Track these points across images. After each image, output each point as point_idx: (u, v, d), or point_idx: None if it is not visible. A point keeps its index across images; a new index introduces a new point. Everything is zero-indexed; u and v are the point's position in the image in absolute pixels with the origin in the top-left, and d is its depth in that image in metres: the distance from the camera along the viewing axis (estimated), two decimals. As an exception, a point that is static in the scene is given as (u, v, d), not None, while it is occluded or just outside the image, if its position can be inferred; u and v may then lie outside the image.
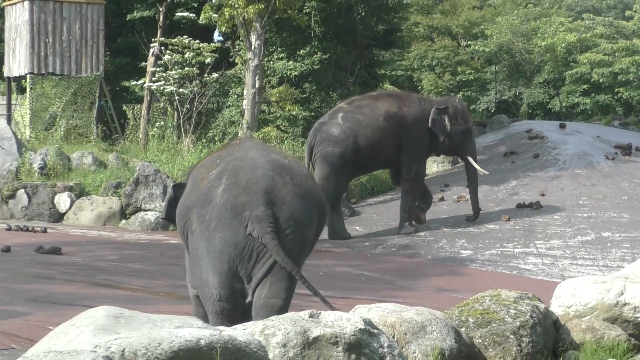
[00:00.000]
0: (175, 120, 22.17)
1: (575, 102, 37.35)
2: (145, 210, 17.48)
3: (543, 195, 18.10)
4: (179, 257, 13.86)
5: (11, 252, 13.42)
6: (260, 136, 18.73)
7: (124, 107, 24.09)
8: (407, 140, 16.14)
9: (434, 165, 22.96)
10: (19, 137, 21.68)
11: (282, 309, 6.28)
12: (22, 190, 18.07)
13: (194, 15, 21.75)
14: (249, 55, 19.15)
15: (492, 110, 39.87)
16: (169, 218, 7.37)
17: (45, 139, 21.73)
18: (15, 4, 23.57)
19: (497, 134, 25.99)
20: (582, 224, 15.86)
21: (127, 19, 25.11)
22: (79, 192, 18.21)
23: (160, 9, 23.47)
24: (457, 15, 43.91)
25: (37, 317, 9.00)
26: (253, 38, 19.23)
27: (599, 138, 24.06)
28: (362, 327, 5.01)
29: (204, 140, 20.40)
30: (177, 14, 22.96)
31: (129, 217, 17.59)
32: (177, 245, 15.09)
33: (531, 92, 38.92)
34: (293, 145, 20.54)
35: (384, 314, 5.45)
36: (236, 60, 20.54)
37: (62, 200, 18.05)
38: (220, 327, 4.90)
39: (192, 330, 4.41)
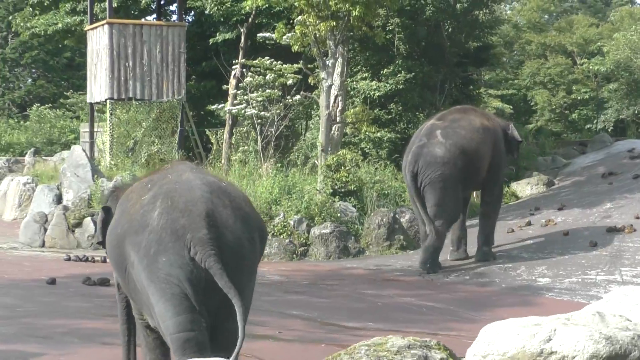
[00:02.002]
0: (258, 144, 21.47)
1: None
2: (210, 238, 16.75)
3: (638, 218, 16.79)
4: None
5: (57, 284, 12.93)
6: (335, 159, 17.82)
7: (207, 132, 23.52)
8: (495, 158, 15.09)
9: (528, 188, 21.76)
10: (101, 164, 21.35)
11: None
12: (89, 219, 17.57)
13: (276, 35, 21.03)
14: (323, 75, 18.34)
15: (609, 130, 38.34)
16: (104, 243, 6.74)
17: (125, 165, 21.31)
18: (96, 28, 23.28)
19: (598, 154, 24.65)
20: (677, 249, 14.57)
21: (210, 43, 24.60)
22: (148, 220, 17.62)
23: (242, 30, 22.92)
24: (572, 32, 42.44)
25: (45, 358, 8.43)
26: (330, 57, 18.46)
27: None
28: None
29: (279, 165, 19.60)
30: (258, 35, 22.33)
31: (197, 246, 16.88)
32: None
33: (650, 110, 37.23)
34: (376, 168, 19.61)
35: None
36: (309, 81, 19.74)
37: (129, 229, 17.49)
38: None
39: None
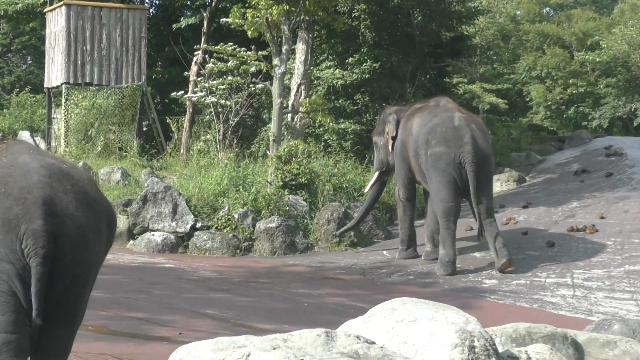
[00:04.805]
0: (220, 133, 20.57)
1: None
2: (152, 231, 15.98)
3: (602, 218, 15.95)
4: (157, 283, 12.44)
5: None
6: (286, 150, 16.95)
7: (168, 120, 22.65)
8: None
9: (497, 185, 20.83)
10: (58, 151, 20.57)
11: (66, 345, 5.29)
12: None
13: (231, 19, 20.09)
14: (276, 61, 17.45)
15: (605, 127, 37.56)
16: None
17: (81, 153, 20.48)
18: (54, 9, 22.44)
19: (574, 151, 23.89)
20: (636, 251, 13.76)
21: (174, 28, 23.74)
22: (90, 210, 16.78)
23: (204, 15, 22.07)
24: (571, 26, 41.59)
25: None
26: (284, 42, 17.59)
27: (688, 156, 21.62)
28: None
29: (232, 155, 18.70)
30: (221, 20, 21.45)
31: (136, 238, 16.10)
32: (166, 270, 13.67)
33: (647, 107, 36.38)
34: (337, 161, 18.73)
35: None
36: (262, 68, 18.79)
37: (68, 219, 16.67)
38: None
39: None
